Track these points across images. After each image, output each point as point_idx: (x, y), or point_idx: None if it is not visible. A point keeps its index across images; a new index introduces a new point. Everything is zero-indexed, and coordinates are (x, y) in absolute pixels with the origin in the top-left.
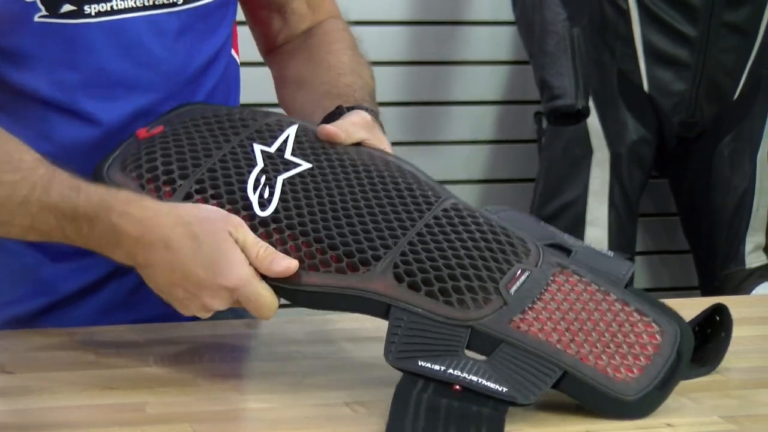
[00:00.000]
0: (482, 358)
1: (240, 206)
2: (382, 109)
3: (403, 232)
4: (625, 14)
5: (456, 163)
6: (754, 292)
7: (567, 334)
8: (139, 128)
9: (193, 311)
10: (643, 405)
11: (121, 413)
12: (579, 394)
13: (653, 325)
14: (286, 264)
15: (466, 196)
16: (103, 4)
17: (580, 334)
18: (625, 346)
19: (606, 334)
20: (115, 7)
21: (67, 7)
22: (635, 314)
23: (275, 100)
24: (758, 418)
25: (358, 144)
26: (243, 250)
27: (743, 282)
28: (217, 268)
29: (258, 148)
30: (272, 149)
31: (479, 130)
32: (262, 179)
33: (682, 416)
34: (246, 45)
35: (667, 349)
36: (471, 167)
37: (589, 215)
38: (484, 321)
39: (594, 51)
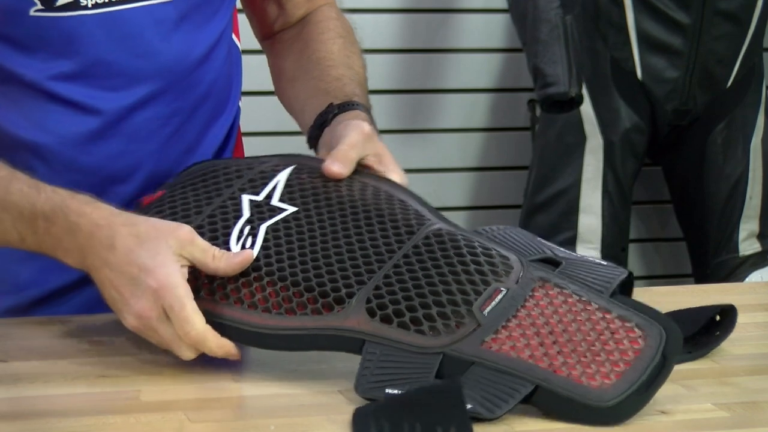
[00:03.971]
0: None
1: None
2: (375, 98)
3: (380, 265)
4: (619, 2)
5: (449, 152)
6: (747, 280)
7: (540, 348)
8: (144, 196)
9: (130, 320)
10: (621, 410)
11: (115, 401)
12: (553, 406)
13: (635, 330)
14: (240, 258)
15: (460, 184)
16: None
17: (554, 346)
18: (602, 354)
19: (582, 344)
20: None
21: (63, 0)
22: (617, 321)
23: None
24: (751, 406)
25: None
26: (193, 262)
27: (736, 269)
28: (147, 268)
29: (246, 198)
30: (260, 197)
31: (472, 118)
32: (246, 229)
33: (675, 403)
34: (246, 33)
35: (649, 352)
36: (464, 155)
37: (583, 203)
38: (455, 346)
39: (587, 38)
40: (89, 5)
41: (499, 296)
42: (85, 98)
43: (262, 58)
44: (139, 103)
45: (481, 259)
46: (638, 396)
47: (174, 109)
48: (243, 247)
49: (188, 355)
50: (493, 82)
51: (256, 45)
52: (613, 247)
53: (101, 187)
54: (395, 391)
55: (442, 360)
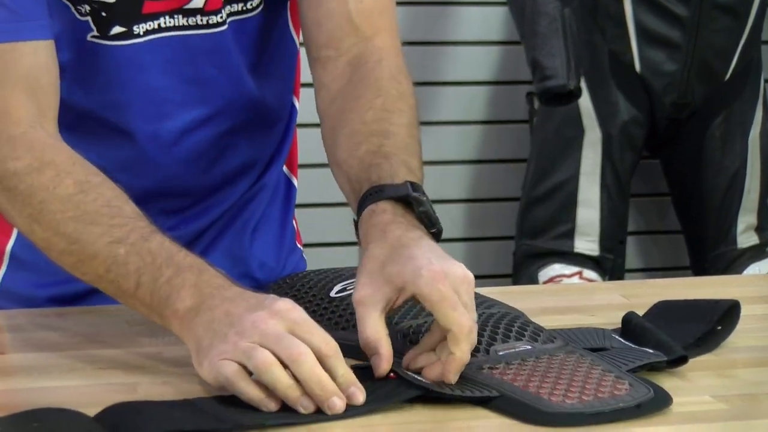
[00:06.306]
0: None
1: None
2: None
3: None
4: None
5: (447, 144)
6: (745, 272)
7: (525, 376)
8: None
9: (243, 341)
10: (561, 418)
11: (113, 393)
12: (505, 409)
13: (626, 384)
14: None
15: (458, 177)
16: (151, 23)
17: (538, 377)
18: (578, 386)
19: (564, 379)
20: (162, 25)
21: (117, 29)
22: (612, 377)
23: None
24: (750, 398)
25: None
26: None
27: (734, 262)
28: (274, 299)
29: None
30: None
31: (471, 110)
32: (351, 283)
33: (674, 396)
34: None
35: (625, 398)
36: (463, 148)
37: (581, 196)
38: None
39: (585, 32)
40: (141, 33)
41: (520, 349)
42: (136, 126)
43: None
44: (189, 128)
45: (528, 331)
46: (586, 416)
47: (225, 130)
48: (343, 291)
49: (312, 370)
50: (491, 75)
51: None
52: (612, 240)
53: (145, 202)
54: None
55: None
